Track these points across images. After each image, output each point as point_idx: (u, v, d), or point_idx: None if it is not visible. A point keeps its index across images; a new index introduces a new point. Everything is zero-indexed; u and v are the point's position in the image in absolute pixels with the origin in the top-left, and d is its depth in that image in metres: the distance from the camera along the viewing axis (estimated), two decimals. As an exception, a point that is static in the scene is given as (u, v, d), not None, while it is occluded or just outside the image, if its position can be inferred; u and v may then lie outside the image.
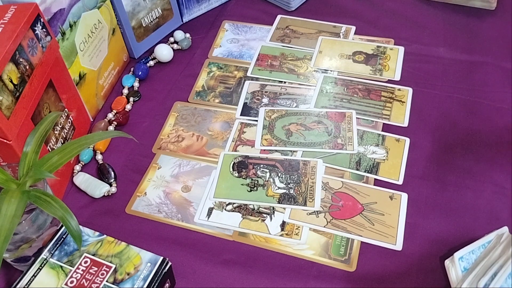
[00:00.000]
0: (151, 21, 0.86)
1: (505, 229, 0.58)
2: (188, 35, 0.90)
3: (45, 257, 0.55)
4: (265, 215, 0.65)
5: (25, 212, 0.53)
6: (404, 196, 0.66)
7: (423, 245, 0.61)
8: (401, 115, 0.75)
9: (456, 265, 0.55)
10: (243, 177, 0.69)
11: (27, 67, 0.61)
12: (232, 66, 0.84)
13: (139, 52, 0.88)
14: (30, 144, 0.57)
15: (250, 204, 0.66)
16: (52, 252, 0.56)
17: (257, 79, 0.82)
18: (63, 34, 0.69)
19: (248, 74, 0.83)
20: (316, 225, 0.63)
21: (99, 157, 0.72)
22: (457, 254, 0.56)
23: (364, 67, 0.82)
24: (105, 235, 0.57)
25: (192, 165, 0.71)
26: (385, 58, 0.83)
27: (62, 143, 0.70)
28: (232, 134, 0.74)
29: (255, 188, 0.67)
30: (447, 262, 0.57)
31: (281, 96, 0.79)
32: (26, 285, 0.53)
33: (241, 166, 0.70)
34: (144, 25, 0.86)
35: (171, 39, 0.90)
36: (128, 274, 0.54)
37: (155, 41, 0.89)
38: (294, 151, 0.71)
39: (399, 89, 0.78)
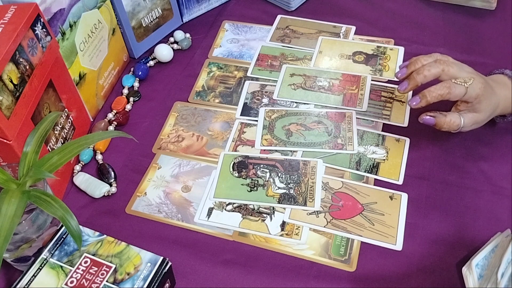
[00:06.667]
0: (151, 21, 0.86)
1: (508, 231, 0.58)
2: (188, 35, 0.90)
3: (45, 257, 0.55)
4: (265, 215, 0.65)
5: (25, 212, 0.53)
6: (404, 196, 0.66)
7: (423, 245, 0.61)
8: (401, 115, 0.75)
9: (473, 272, 0.54)
10: (243, 177, 0.68)
11: (27, 67, 0.61)
12: (232, 66, 0.84)
13: (139, 52, 0.88)
14: (30, 144, 0.57)
15: (250, 204, 0.66)
16: (52, 252, 0.56)
17: (257, 79, 0.82)
18: (63, 34, 0.69)
19: (248, 74, 0.83)
20: (316, 225, 0.63)
21: (99, 157, 0.72)
22: (474, 261, 0.55)
23: (364, 67, 0.82)
24: (105, 235, 0.57)
25: (192, 165, 0.71)
26: (385, 58, 0.83)
27: (62, 143, 0.70)
28: (232, 134, 0.74)
29: (255, 188, 0.67)
30: (464, 269, 0.56)
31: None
32: (26, 285, 0.53)
33: (241, 166, 0.70)
34: (144, 25, 0.86)
35: (171, 39, 0.90)
36: (128, 274, 0.54)
37: (155, 41, 0.89)
38: (294, 151, 0.71)
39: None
